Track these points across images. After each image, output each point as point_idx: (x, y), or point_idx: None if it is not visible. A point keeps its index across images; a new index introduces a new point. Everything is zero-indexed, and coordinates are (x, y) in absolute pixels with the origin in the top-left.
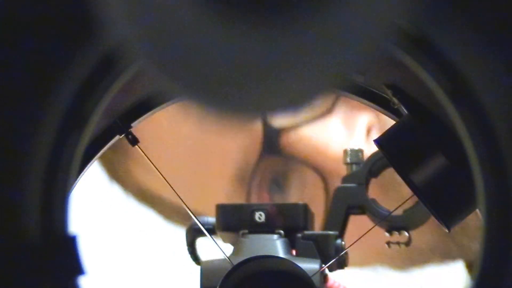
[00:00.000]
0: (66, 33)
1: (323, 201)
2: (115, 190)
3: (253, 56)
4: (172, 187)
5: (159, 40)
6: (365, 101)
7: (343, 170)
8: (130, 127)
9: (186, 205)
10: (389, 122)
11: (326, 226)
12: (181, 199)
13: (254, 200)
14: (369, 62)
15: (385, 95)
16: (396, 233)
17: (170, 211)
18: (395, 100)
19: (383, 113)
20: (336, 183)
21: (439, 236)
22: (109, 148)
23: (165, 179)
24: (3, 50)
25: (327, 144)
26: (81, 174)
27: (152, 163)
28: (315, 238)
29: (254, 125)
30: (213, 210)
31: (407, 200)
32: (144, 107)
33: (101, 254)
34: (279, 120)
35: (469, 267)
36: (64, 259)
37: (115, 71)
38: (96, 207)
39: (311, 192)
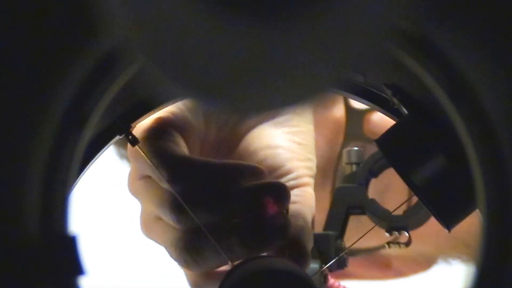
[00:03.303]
0: (67, 33)
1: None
2: (115, 189)
3: (253, 55)
4: (172, 189)
5: (159, 40)
6: (365, 101)
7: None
8: (130, 127)
9: (185, 206)
10: None
11: (326, 226)
12: (180, 199)
13: None
14: (369, 62)
15: (385, 95)
16: (396, 233)
17: None
18: (395, 100)
19: (383, 113)
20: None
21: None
22: None
23: (164, 180)
24: (3, 50)
25: None
26: (81, 173)
27: (152, 164)
28: (315, 238)
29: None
30: None
31: (407, 200)
32: (144, 107)
33: (101, 254)
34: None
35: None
36: (64, 259)
37: (115, 71)
38: (96, 207)
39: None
